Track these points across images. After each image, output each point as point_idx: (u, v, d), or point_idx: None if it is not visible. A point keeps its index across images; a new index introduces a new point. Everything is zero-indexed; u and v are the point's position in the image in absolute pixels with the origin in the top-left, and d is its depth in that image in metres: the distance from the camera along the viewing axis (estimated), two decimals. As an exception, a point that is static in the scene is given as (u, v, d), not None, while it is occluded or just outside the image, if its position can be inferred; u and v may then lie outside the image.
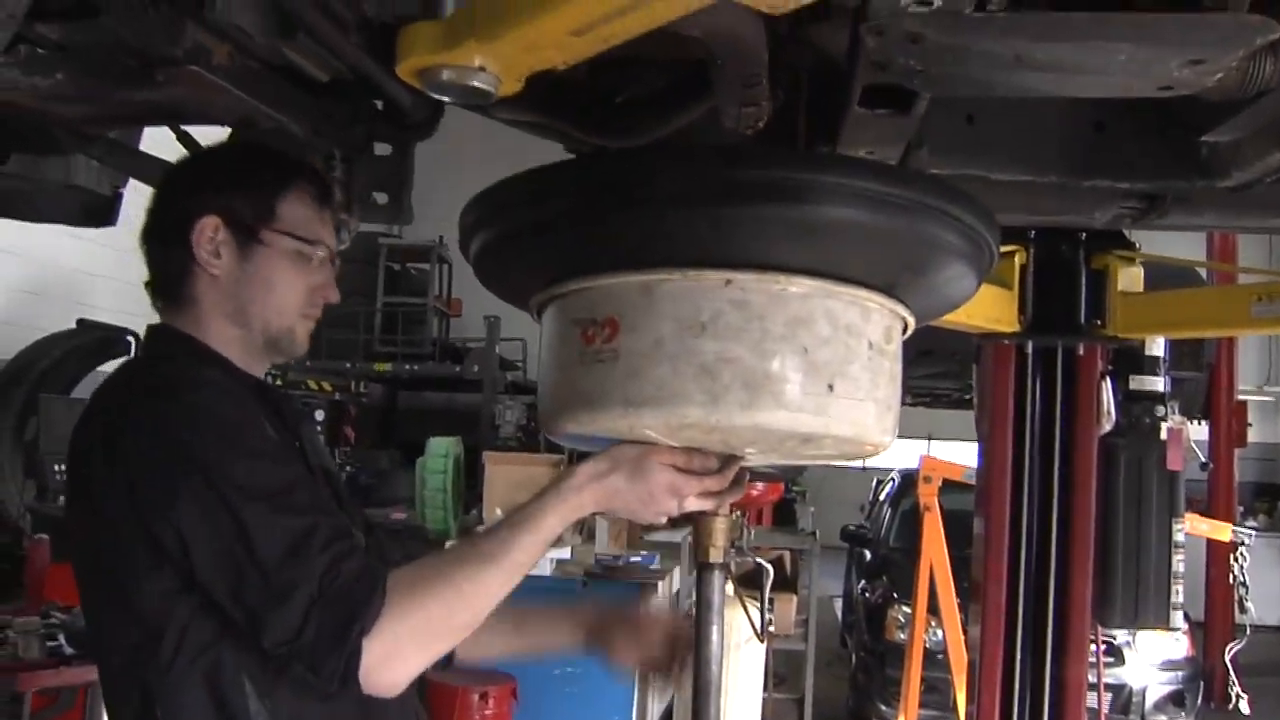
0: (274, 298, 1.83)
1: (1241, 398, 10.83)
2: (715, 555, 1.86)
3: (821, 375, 1.53)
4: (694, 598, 1.94)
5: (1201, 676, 8.11)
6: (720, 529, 1.84)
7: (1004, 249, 3.81)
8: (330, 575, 1.51)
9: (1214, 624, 9.30)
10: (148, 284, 1.89)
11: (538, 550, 1.65)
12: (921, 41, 1.51)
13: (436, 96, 1.23)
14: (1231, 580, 6.28)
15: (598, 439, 1.70)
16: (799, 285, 1.52)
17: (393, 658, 1.52)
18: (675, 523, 1.76)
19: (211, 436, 1.61)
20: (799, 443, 1.62)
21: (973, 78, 1.66)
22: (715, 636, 1.88)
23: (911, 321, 1.72)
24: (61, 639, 3.83)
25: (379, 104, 2.35)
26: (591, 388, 1.57)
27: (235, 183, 1.84)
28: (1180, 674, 7.84)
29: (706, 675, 1.88)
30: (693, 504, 1.71)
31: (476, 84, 1.18)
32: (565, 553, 6.14)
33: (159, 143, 2.66)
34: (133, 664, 1.64)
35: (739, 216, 1.47)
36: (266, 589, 1.51)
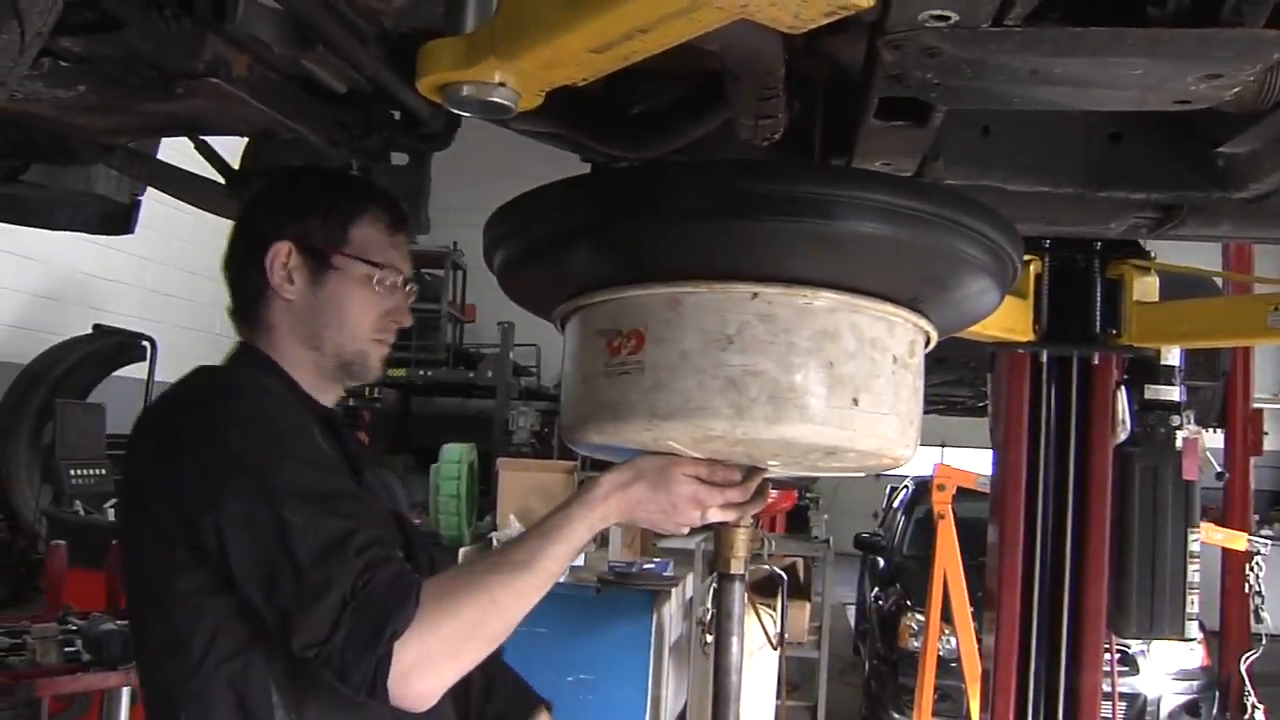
0: (346, 322, 1.86)
1: (1258, 406, 10.78)
2: (736, 566, 1.88)
3: (846, 389, 1.54)
4: (712, 607, 1.96)
5: (1217, 686, 8.06)
6: (742, 540, 1.86)
7: (1020, 258, 3.81)
8: (364, 578, 1.51)
9: (1230, 633, 9.24)
10: (230, 309, 1.92)
11: (567, 559, 1.66)
12: (938, 55, 1.52)
13: (457, 111, 1.23)
14: (1247, 589, 6.25)
15: (620, 450, 1.71)
16: (825, 299, 1.53)
17: (424, 666, 1.51)
18: (694, 531, 1.77)
19: (260, 438, 1.63)
20: (822, 455, 1.63)
21: (989, 91, 1.66)
22: (735, 646, 1.89)
23: (934, 335, 1.73)
24: (79, 645, 3.84)
25: (396, 114, 2.37)
26: (616, 398, 1.57)
27: (309, 209, 1.86)
28: (1195, 684, 7.79)
29: (726, 684, 1.89)
30: (715, 515, 1.72)
31: (496, 99, 1.19)
32: (579, 560, 6.14)
33: (178, 152, 2.69)
34: (161, 663, 1.66)
35: (766, 230, 1.48)
36: (299, 588, 1.50)
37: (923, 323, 1.67)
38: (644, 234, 1.54)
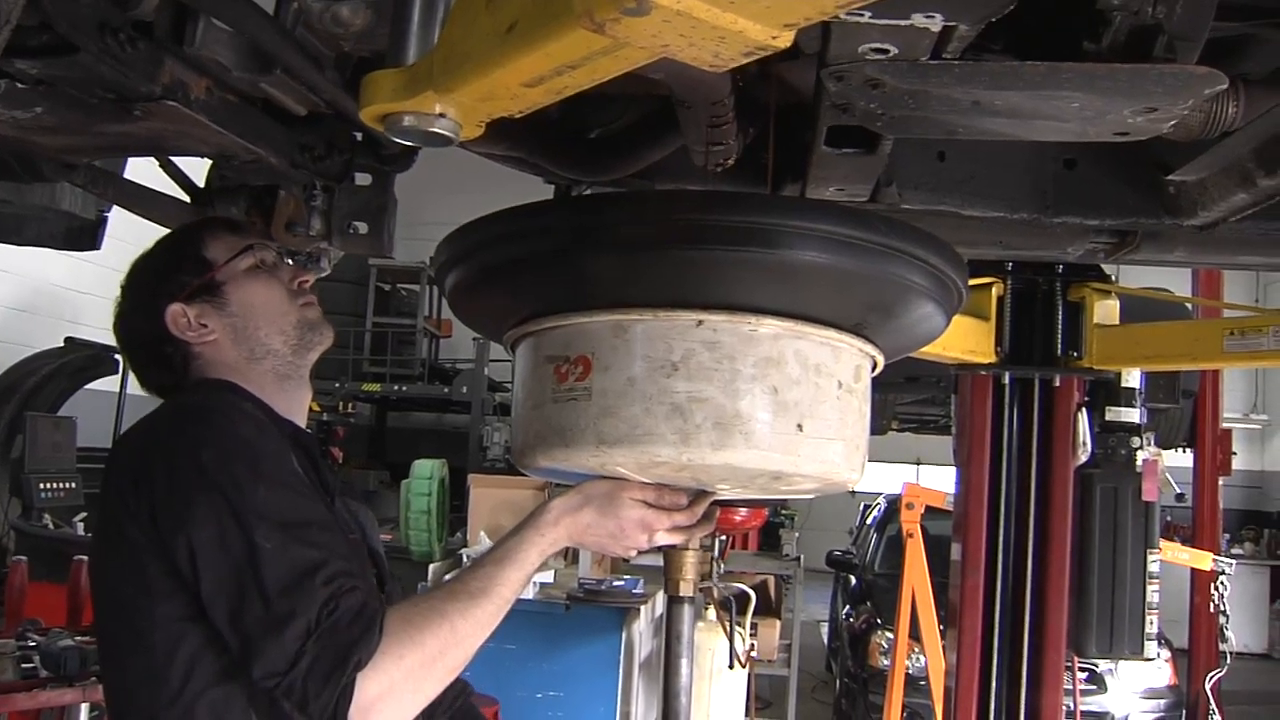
0: (268, 310, 1.91)
1: (1227, 425, 10.86)
2: (685, 589, 1.89)
3: (791, 415, 1.56)
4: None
5: (1184, 705, 8.11)
6: (690, 562, 1.88)
7: (981, 281, 3.85)
8: (329, 608, 1.50)
9: (1198, 652, 9.30)
10: (173, 395, 1.92)
11: (521, 585, 1.68)
12: (881, 86, 1.55)
13: (399, 141, 1.25)
14: (1212, 609, 6.30)
15: (571, 473, 1.73)
16: (769, 326, 1.56)
17: (387, 698, 1.50)
18: (643, 554, 1.79)
19: (235, 459, 1.63)
20: (769, 479, 1.65)
21: (933, 121, 1.70)
22: (684, 668, 1.91)
23: (881, 360, 1.76)
24: (36, 661, 3.82)
25: (359, 135, 2.38)
26: (565, 424, 1.59)
27: (164, 271, 1.92)
28: (1163, 702, 7.85)
29: (675, 706, 1.90)
30: (663, 538, 1.75)
31: (437, 130, 1.20)
32: (549, 577, 6.14)
33: (147, 170, 2.70)
34: (140, 693, 1.64)
35: (709, 259, 1.50)
36: (265, 615, 1.50)
37: (868, 348, 1.69)
38: (590, 261, 1.56)
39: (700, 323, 1.54)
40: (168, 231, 2.11)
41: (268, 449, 1.70)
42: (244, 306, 1.89)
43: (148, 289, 1.92)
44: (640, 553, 1.77)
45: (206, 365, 1.89)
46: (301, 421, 1.97)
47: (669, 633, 1.92)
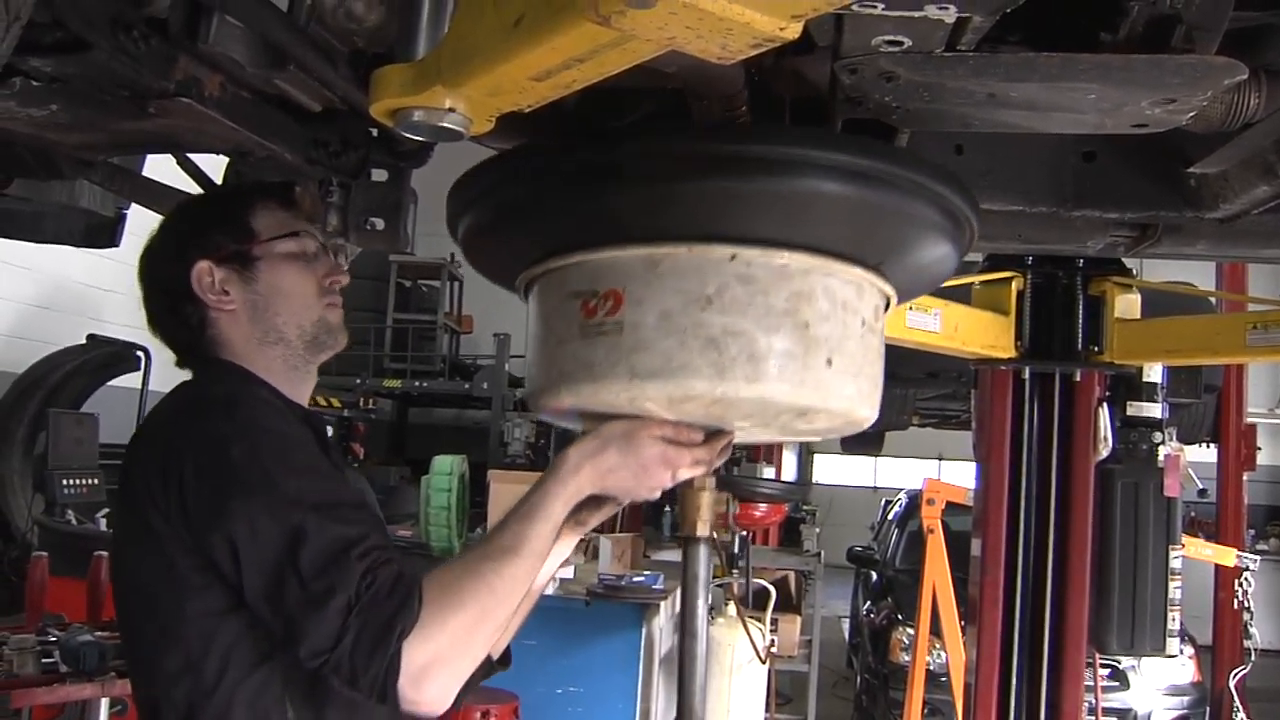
0: (293, 300, 1.87)
1: (1251, 420, 10.77)
2: (701, 529, 1.88)
3: (821, 350, 1.57)
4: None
5: (1208, 702, 8.05)
6: (706, 503, 1.87)
7: (1000, 275, 3.83)
8: (367, 581, 1.51)
9: (1221, 649, 9.23)
10: (178, 361, 1.92)
11: (549, 537, 1.66)
12: (895, 79, 1.54)
13: (409, 136, 1.25)
14: (1236, 605, 6.26)
15: (590, 413, 1.72)
16: (801, 260, 1.56)
17: (436, 665, 1.50)
18: (664, 497, 1.78)
19: (264, 451, 1.63)
20: (794, 416, 1.66)
21: (949, 114, 1.68)
22: (701, 609, 1.90)
23: (894, 299, 1.77)
24: (57, 656, 3.84)
25: (374, 131, 2.38)
26: (594, 359, 1.59)
27: (204, 226, 1.88)
28: (1186, 699, 7.79)
29: (692, 647, 1.89)
30: (684, 473, 1.73)
31: (447, 124, 1.20)
32: (569, 572, 6.14)
33: (165, 167, 2.70)
34: (175, 688, 1.64)
35: (746, 191, 1.50)
36: (305, 595, 1.50)
37: (886, 287, 1.71)
38: (620, 194, 1.56)
39: (734, 257, 1.54)
40: (227, 186, 2.08)
41: (293, 437, 1.72)
42: (270, 288, 1.86)
43: (183, 236, 1.89)
44: (663, 492, 1.75)
45: (220, 336, 1.85)
46: (305, 404, 1.97)
47: (685, 574, 1.90)
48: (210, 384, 1.85)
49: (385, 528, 1.90)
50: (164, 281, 1.88)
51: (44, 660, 3.82)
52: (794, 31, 0.86)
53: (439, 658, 1.51)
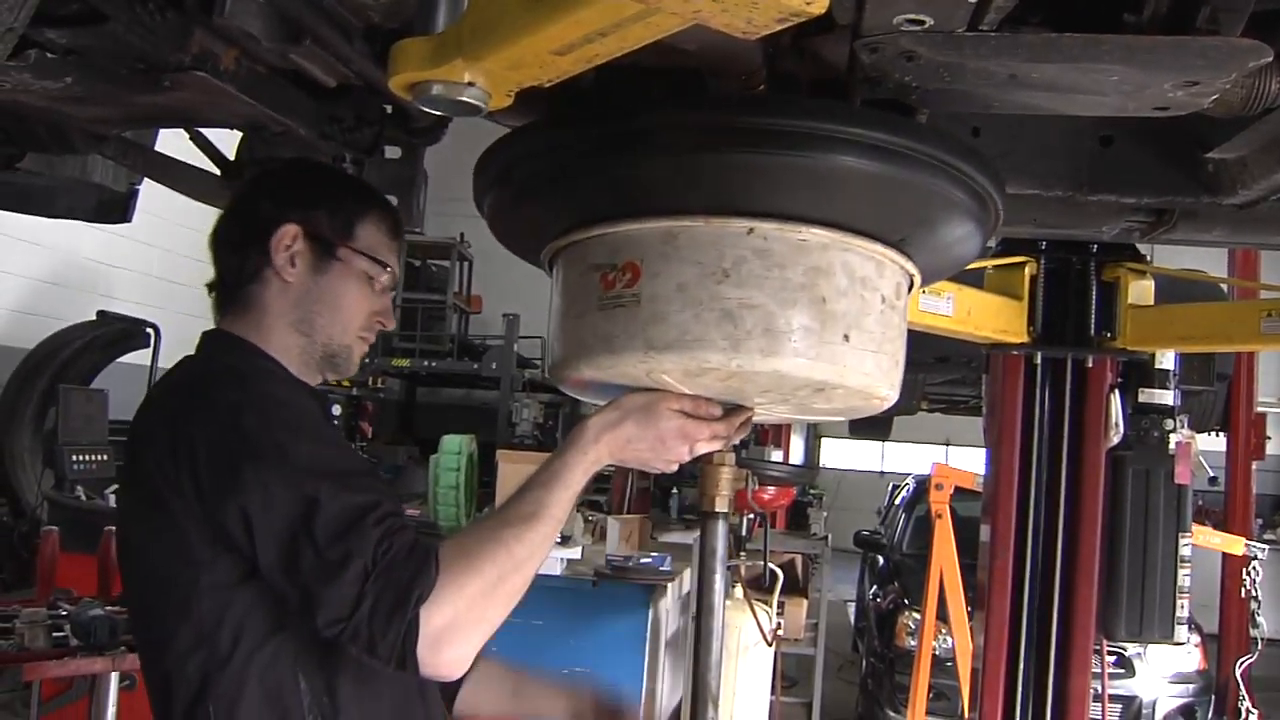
0: (339, 314, 1.87)
1: (1261, 410, 10.76)
2: (720, 504, 1.89)
3: (838, 325, 1.57)
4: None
5: (1214, 690, 8.05)
6: (726, 478, 1.88)
7: (1014, 260, 3.81)
8: (383, 547, 1.51)
9: (1228, 638, 9.23)
10: (212, 286, 1.91)
11: (568, 505, 1.67)
12: (916, 59, 1.52)
13: (428, 110, 1.24)
14: (1243, 594, 6.25)
15: (610, 385, 1.72)
16: (818, 235, 1.56)
17: (453, 630, 1.50)
18: (682, 470, 1.79)
19: (275, 421, 1.64)
20: (811, 392, 1.66)
21: (969, 94, 1.67)
22: (718, 584, 1.90)
23: (918, 279, 1.76)
24: (67, 630, 3.86)
25: (388, 108, 2.37)
26: (612, 331, 1.59)
27: (317, 199, 1.88)
28: (1191, 687, 7.78)
29: (708, 623, 1.90)
30: (702, 447, 1.73)
31: (466, 99, 1.19)
32: (576, 553, 6.14)
33: (176, 142, 2.70)
34: (189, 661, 1.64)
35: (763, 164, 1.50)
36: (320, 562, 1.51)
37: (909, 265, 1.70)
38: (639, 167, 1.56)
39: (751, 230, 1.54)
40: (360, 180, 2.10)
41: (304, 407, 1.73)
42: (331, 290, 1.86)
43: (298, 191, 1.90)
44: (680, 466, 1.75)
45: (261, 295, 1.84)
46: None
47: (703, 548, 1.92)
48: (218, 356, 1.85)
49: (397, 497, 1.91)
50: (251, 215, 1.87)
51: (55, 634, 3.85)
52: (820, 6, 0.85)
53: (457, 622, 1.51)
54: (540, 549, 1.62)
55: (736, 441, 1.80)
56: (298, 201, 1.86)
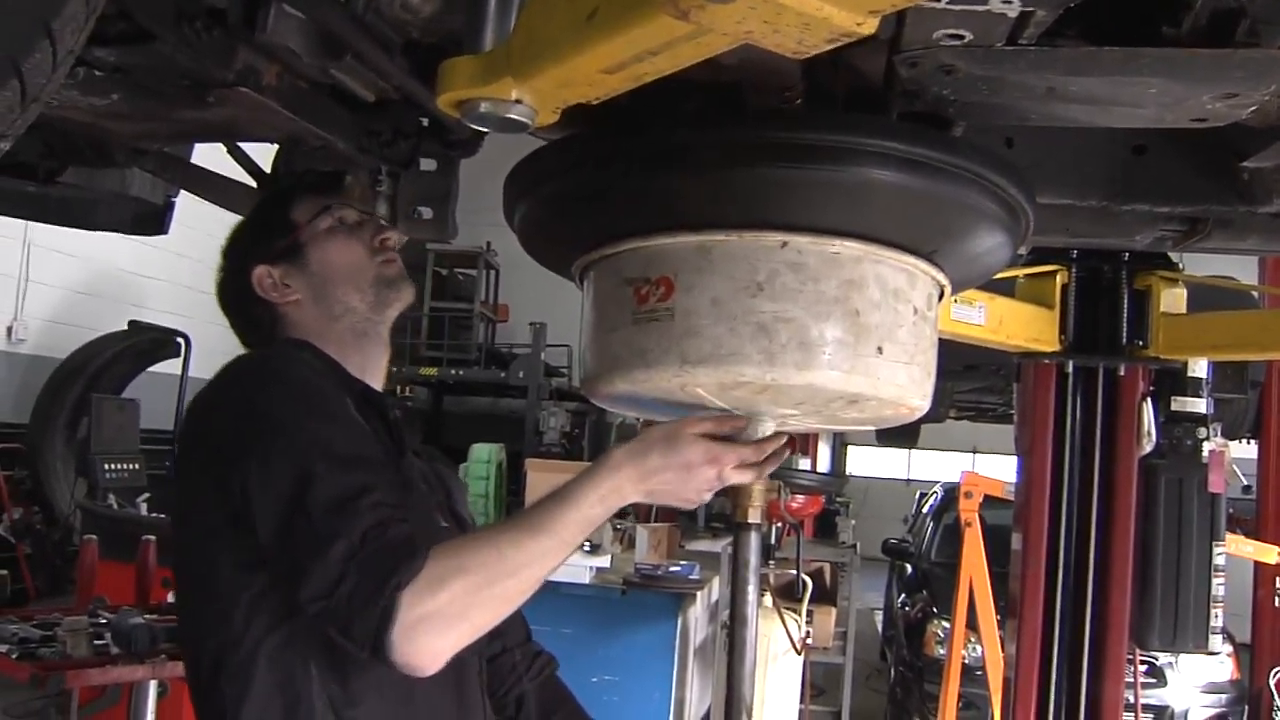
0: (346, 268, 1.95)
1: (1293, 417, 10.66)
2: (753, 515, 1.87)
3: (872, 338, 1.58)
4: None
5: (1246, 700, 7.98)
6: (758, 490, 1.86)
7: (1045, 269, 3.81)
8: (374, 532, 1.50)
9: (1260, 647, 9.15)
10: (248, 344, 1.99)
11: (579, 529, 1.62)
12: (955, 73, 1.53)
13: (475, 127, 1.26)
14: (1276, 603, 6.21)
15: (645, 402, 1.73)
16: (852, 248, 1.57)
17: (431, 621, 1.48)
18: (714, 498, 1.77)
19: (287, 397, 1.67)
20: (845, 404, 1.66)
21: (1006, 107, 1.68)
22: (751, 595, 1.90)
23: (949, 289, 1.77)
24: (108, 638, 3.90)
25: (425, 121, 2.39)
26: (646, 345, 1.60)
27: (255, 234, 2.00)
28: (1224, 697, 7.72)
29: (742, 633, 1.90)
30: (732, 475, 1.69)
31: (513, 116, 1.21)
32: (605, 561, 6.16)
33: (213, 155, 2.73)
34: (208, 639, 1.67)
35: (797, 178, 1.51)
36: (310, 536, 1.51)
37: (940, 276, 1.71)
38: (672, 182, 1.57)
39: (785, 244, 1.55)
40: (269, 178, 2.15)
41: (322, 389, 1.74)
42: (323, 265, 1.93)
43: (240, 252, 1.98)
44: (711, 495, 1.72)
45: (290, 326, 1.92)
46: (378, 384, 1.97)
47: (736, 560, 1.91)
48: (263, 349, 1.92)
49: (451, 516, 1.95)
50: (235, 298, 1.98)
51: (96, 642, 3.89)
52: (871, 26, 0.86)
53: (436, 614, 1.48)
54: (539, 561, 1.59)
55: (769, 472, 1.77)
56: (246, 251, 1.96)
